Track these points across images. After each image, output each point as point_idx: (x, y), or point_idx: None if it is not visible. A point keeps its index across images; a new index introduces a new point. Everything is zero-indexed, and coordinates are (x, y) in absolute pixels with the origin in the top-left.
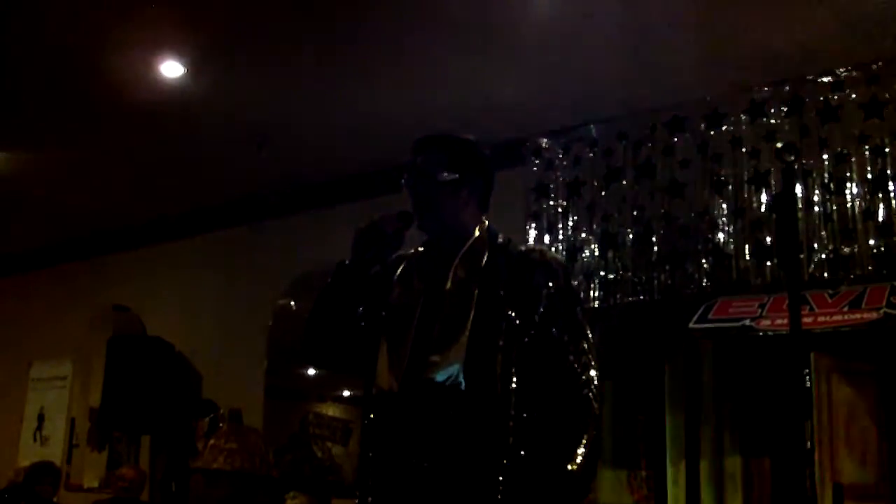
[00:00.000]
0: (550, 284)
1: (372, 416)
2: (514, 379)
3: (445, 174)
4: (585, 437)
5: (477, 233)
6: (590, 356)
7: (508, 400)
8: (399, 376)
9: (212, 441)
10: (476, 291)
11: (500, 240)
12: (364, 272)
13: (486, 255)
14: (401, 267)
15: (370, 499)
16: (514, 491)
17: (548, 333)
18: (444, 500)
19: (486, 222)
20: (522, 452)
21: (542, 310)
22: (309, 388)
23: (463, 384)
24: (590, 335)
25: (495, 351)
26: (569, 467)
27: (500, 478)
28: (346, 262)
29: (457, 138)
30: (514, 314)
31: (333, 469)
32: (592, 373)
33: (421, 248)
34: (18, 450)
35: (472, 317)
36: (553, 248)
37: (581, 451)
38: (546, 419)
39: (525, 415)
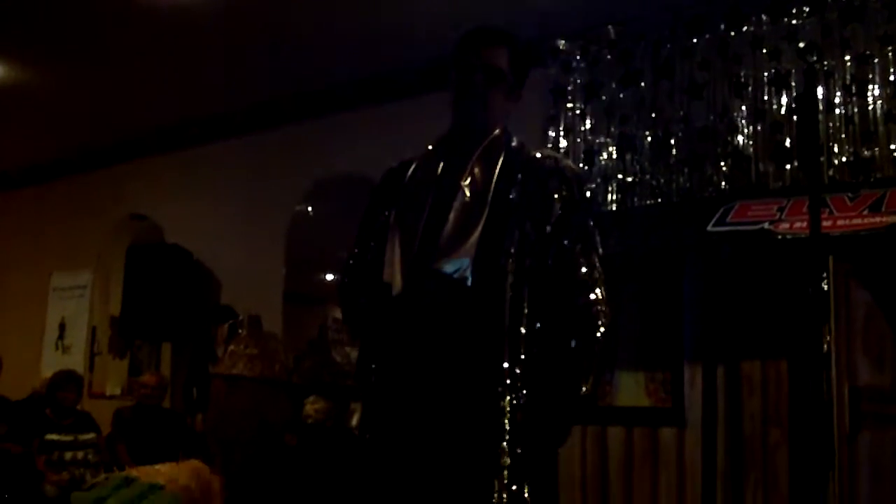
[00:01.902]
0: (564, 194)
1: (379, 306)
2: (526, 290)
3: (511, 76)
4: (593, 358)
5: (497, 132)
6: (600, 271)
7: (520, 308)
8: (407, 266)
9: (231, 347)
10: (492, 190)
11: (515, 143)
12: None
13: (503, 155)
14: (413, 165)
15: (374, 400)
16: (523, 405)
17: (559, 244)
18: (452, 405)
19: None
20: (534, 366)
21: (554, 219)
22: (327, 294)
23: (469, 280)
24: (600, 248)
25: (506, 255)
26: (575, 386)
27: (507, 387)
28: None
29: (516, 38)
30: (526, 221)
31: (352, 374)
32: (602, 288)
33: (430, 148)
34: (41, 359)
35: (486, 214)
36: (571, 151)
37: (588, 369)
38: (554, 335)
39: (538, 325)
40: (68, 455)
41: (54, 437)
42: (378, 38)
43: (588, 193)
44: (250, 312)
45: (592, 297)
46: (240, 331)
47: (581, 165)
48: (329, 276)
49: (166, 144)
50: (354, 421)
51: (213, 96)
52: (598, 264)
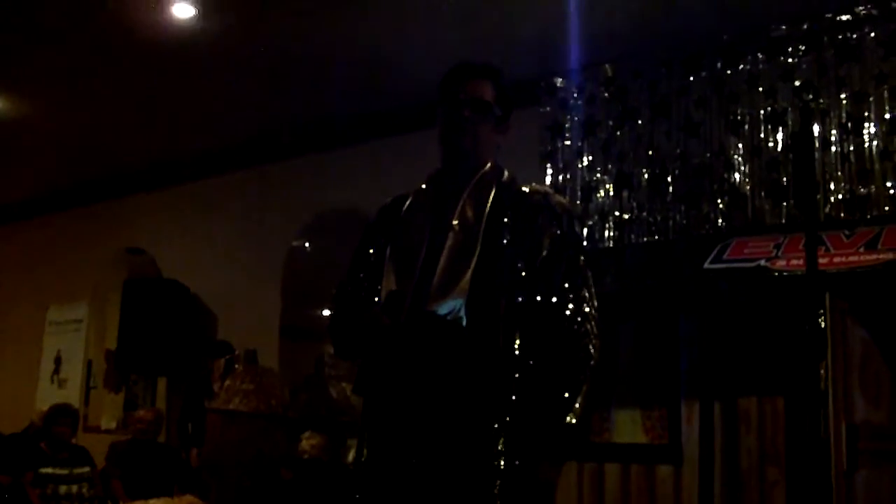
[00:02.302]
0: (554, 230)
1: (374, 348)
2: (518, 326)
3: (498, 109)
4: (582, 389)
5: (487, 167)
6: (591, 305)
7: (512, 345)
8: (403, 309)
9: (228, 382)
10: (482, 229)
11: (505, 177)
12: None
13: (494, 191)
14: (407, 202)
15: (370, 437)
16: (514, 437)
17: (549, 280)
18: (445, 439)
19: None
20: (525, 399)
21: (544, 255)
22: (324, 329)
23: (464, 320)
24: (591, 283)
25: (498, 293)
26: (565, 419)
27: (501, 423)
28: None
29: (500, 72)
30: (517, 258)
31: (348, 409)
32: (592, 322)
33: (424, 186)
34: (37, 392)
35: (477, 253)
36: (568, 188)
37: (577, 404)
38: (546, 368)
39: (530, 362)
40: (63, 489)
41: (49, 470)
42: (376, 74)
43: (578, 228)
44: (247, 347)
45: (582, 332)
46: (236, 366)
47: (578, 202)
48: (326, 312)
49: (163, 179)
50: (350, 456)
51: (210, 132)
52: (587, 299)
